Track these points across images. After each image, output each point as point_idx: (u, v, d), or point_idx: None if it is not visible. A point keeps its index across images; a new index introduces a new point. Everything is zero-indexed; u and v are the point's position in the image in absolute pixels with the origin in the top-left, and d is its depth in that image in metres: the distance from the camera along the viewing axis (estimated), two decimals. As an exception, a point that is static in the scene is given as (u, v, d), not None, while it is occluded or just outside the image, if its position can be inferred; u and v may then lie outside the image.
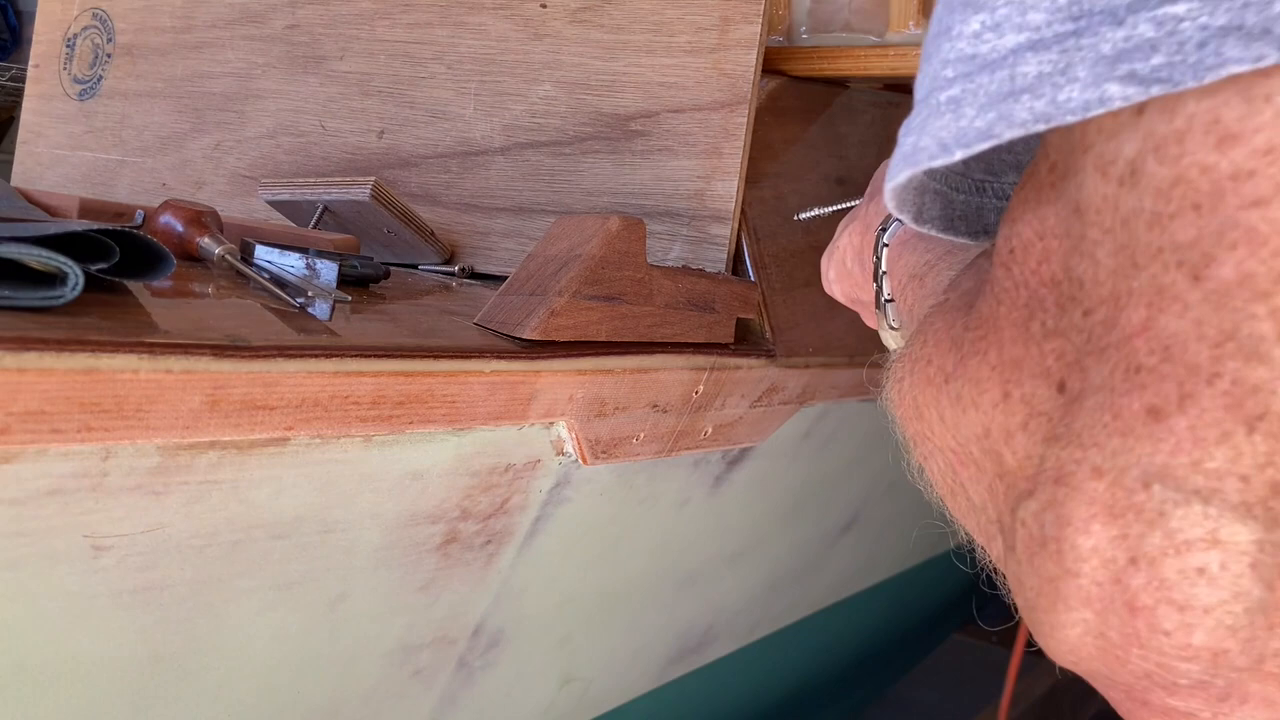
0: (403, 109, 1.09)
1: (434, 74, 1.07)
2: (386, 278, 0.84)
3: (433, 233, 1.02)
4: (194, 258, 0.76)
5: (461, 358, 0.68)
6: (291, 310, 0.66)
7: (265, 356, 0.57)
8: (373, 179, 0.98)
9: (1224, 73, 0.25)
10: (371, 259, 0.83)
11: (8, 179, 1.45)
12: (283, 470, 0.65)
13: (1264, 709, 0.27)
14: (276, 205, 1.08)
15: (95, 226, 0.57)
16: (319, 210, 1.02)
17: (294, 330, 0.62)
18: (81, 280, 0.54)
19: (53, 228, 0.56)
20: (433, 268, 1.04)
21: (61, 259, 0.54)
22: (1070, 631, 0.29)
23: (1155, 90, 0.26)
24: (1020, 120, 0.28)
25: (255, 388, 0.57)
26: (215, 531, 0.65)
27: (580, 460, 0.80)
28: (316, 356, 0.60)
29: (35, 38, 1.49)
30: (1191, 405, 0.27)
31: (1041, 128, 0.28)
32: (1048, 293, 0.31)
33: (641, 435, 0.84)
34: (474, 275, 1.03)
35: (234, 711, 0.79)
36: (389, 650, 0.86)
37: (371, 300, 0.79)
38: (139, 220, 0.83)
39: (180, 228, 0.76)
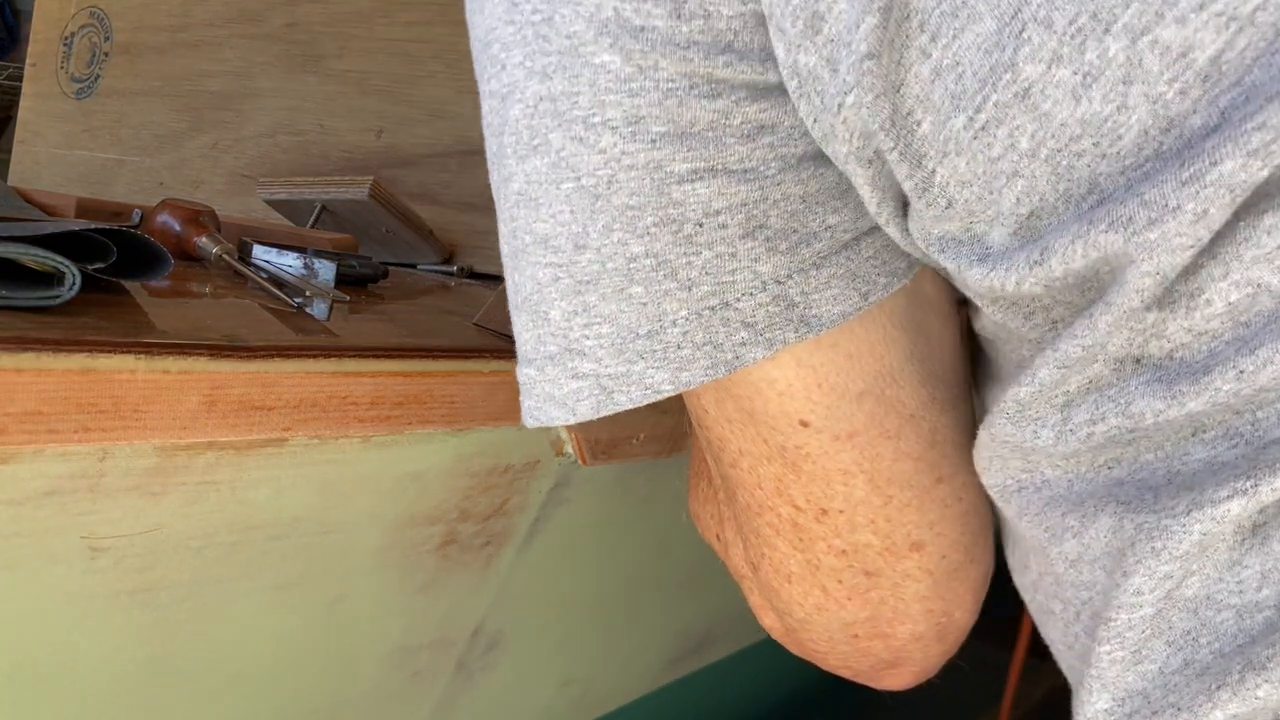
0: (401, 107, 1.09)
1: (433, 72, 1.07)
2: (385, 277, 0.83)
3: (431, 232, 1.02)
4: (192, 257, 0.76)
5: (460, 358, 0.68)
6: (289, 310, 0.66)
7: (263, 357, 0.57)
8: (371, 178, 0.98)
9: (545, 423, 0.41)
10: (370, 258, 0.82)
11: (5, 178, 1.45)
12: (281, 471, 0.64)
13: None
14: (274, 204, 1.07)
15: (93, 226, 0.57)
16: (317, 209, 1.02)
17: (292, 330, 0.62)
18: (79, 280, 0.54)
19: (50, 227, 0.56)
20: (431, 267, 1.04)
21: (59, 259, 0.53)
22: (798, 651, 0.49)
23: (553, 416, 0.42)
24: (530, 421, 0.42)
25: (253, 388, 0.57)
26: (213, 532, 0.65)
27: (580, 461, 0.80)
28: (314, 357, 0.60)
29: (32, 36, 1.49)
30: (760, 568, 0.45)
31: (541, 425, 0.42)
32: (705, 458, 0.47)
33: (641, 436, 0.84)
34: (473, 275, 1.03)
35: (231, 713, 0.78)
36: (387, 652, 0.85)
37: (370, 300, 0.78)
38: (136, 220, 0.82)
39: (178, 227, 0.76)
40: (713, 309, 0.38)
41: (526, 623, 0.96)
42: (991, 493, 0.43)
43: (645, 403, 0.39)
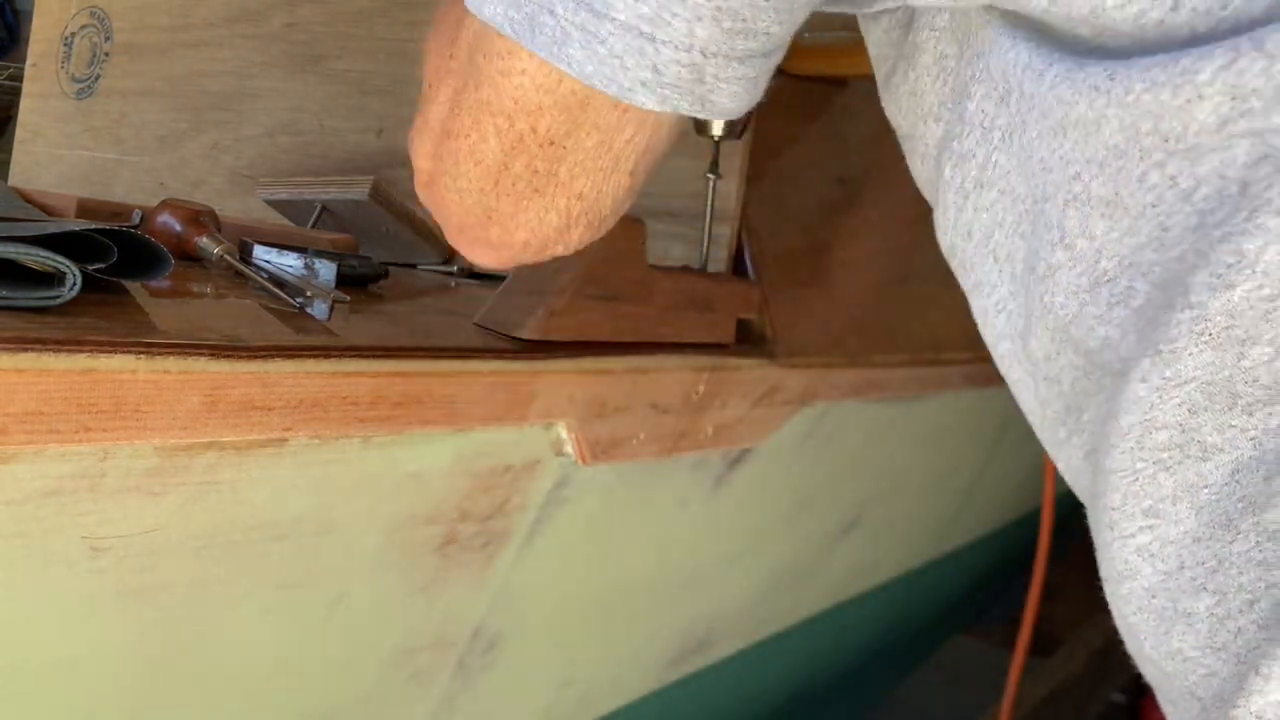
0: (402, 107, 1.09)
1: (433, 73, 1.07)
2: (385, 277, 0.83)
3: (432, 232, 1.02)
4: (192, 257, 0.76)
5: (460, 358, 0.68)
6: (290, 310, 0.66)
7: (263, 357, 0.57)
8: (371, 178, 0.98)
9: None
10: (370, 258, 0.82)
11: (5, 179, 1.45)
12: (281, 471, 0.64)
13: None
14: (275, 205, 1.07)
15: (93, 226, 0.57)
16: (317, 210, 1.02)
17: (292, 330, 0.62)
18: (79, 280, 0.54)
19: (50, 227, 0.56)
20: (432, 267, 1.04)
21: (59, 259, 0.53)
22: (429, 196, 0.52)
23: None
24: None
25: (253, 388, 0.57)
26: (213, 532, 0.65)
27: (580, 461, 0.80)
28: (315, 357, 0.60)
29: (33, 36, 1.49)
30: (456, 137, 0.48)
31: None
32: (450, 29, 0.48)
33: (641, 436, 0.84)
34: (473, 274, 1.03)
35: (231, 713, 0.78)
36: (387, 652, 0.85)
37: (370, 300, 0.78)
38: (137, 220, 0.82)
39: (178, 227, 0.76)
40: (641, 33, 0.40)
41: (526, 623, 0.96)
42: (1155, 461, 0.40)
43: (559, 67, 0.42)
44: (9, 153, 1.50)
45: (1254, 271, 0.35)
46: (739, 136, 0.81)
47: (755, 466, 1.08)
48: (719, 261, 0.93)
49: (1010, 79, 0.43)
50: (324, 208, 1.02)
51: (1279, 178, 0.35)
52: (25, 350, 0.49)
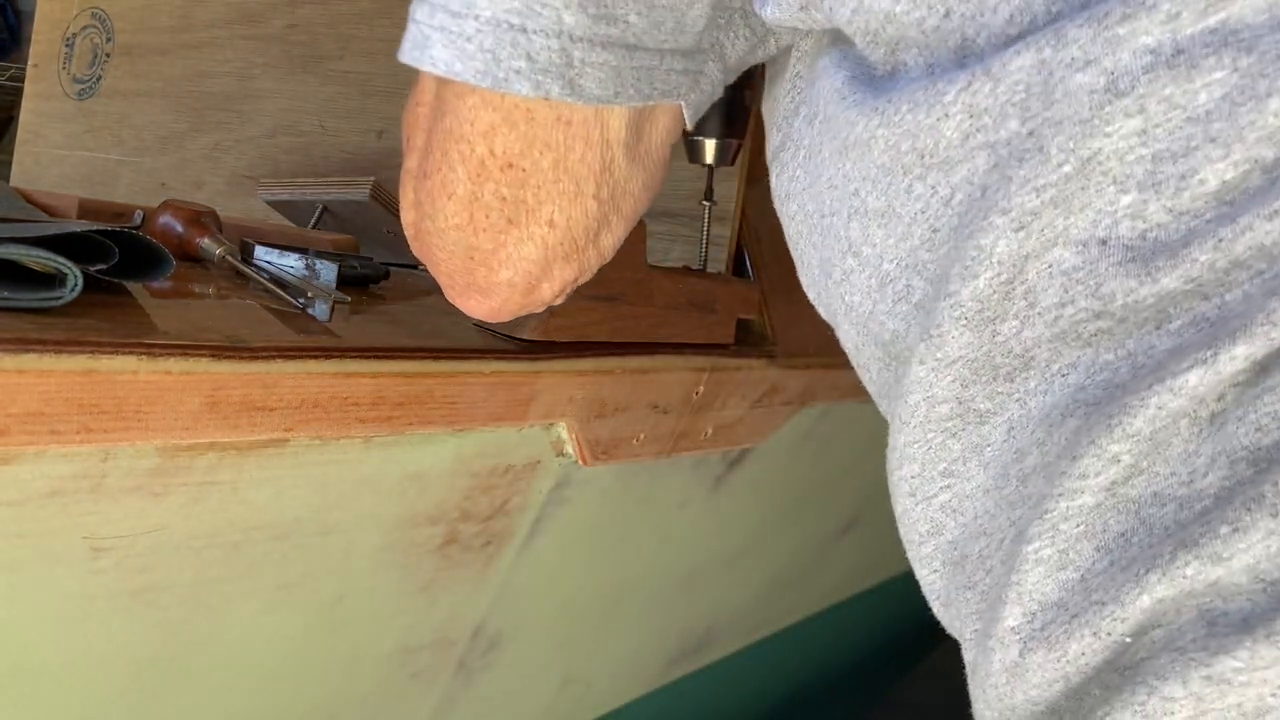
0: (403, 108, 1.09)
1: (434, 74, 1.07)
2: (386, 278, 0.83)
3: (432, 233, 1.02)
4: (194, 258, 0.76)
5: (461, 358, 0.68)
6: (291, 311, 0.66)
7: (264, 358, 0.57)
8: (372, 179, 0.98)
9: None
10: (371, 259, 0.83)
11: (7, 179, 1.45)
12: (282, 471, 0.64)
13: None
14: (275, 205, 1.08)
15: (94, 227, 0.57)
16: (318, 210, 1.02)
17: (293, 331, 0.62)
18: (80, 281, 0.54)
19: (52, 228, 0.56)
20: (432, 268, 1.04)
21: (60, 260, 0.53)
22: (419, 248, 0.53)
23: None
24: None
25: (254, 389, 0.57)
26: (215, 533, 0.65)
27: (580, 461, 0.80)
28: (316, 357, 0.60)
29: (34, 37, 1.49)
30: (431, 177, 0.49)
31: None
32: (426, 106, 0.50)
33: (642, 436, 0.84)
34: (474, 275, 1.03)
35: (233, 713, 0.79)
36: (388, 652, 0.85)
37: (371, 301, 0.79)
38: (138, 221, 0.82)
39: (180, 228, 0.76)
40: (511, 26, 0.43)
41: (527, 623, 0.97)
42: (943, 430, 0.45)
43: (423, 69, 0.45)
44: (10, 153, 1.50)
45: (991, 262, 0.40)
46: (731, 163, 0.81)
47: (755, 467, 1.08)
48: (719, 262, 0.93)
49: (821, 103, 0.48)
50: (325, 208, 1.02)
51: (1004, 182, 0.40)
52: (27, 351, 0.49)
